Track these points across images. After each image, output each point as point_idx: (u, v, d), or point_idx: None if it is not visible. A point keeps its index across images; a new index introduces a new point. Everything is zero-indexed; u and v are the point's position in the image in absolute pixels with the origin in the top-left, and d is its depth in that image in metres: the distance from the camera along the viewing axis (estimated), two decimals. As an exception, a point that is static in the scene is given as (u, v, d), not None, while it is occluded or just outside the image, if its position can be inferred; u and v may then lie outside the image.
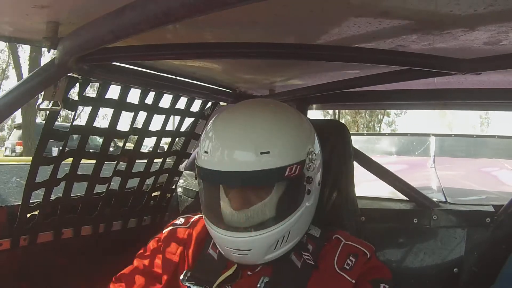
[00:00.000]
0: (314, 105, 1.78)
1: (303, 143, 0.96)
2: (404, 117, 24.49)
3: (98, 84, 1.18)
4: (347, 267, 0.97)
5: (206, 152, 0.93)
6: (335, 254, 1.00)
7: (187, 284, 1.02)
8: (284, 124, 0.97)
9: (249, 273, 1.00)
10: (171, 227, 1.16)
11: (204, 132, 0.99)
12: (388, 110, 24.03)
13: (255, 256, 0.96)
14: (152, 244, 1.14)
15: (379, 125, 23.73)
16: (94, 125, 1.23)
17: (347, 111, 23.20)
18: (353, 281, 0.96)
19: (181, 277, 1.03)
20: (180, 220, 1.17)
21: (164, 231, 1.16)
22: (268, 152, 0.89)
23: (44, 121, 1.10)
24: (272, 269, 0.99)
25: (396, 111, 24.41)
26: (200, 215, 1.16)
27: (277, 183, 0.93)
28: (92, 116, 1.21)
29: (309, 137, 1.00)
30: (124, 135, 1.34)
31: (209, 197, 0.99)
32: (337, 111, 21.90)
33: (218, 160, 0.91)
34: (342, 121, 22.30)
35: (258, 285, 0.95)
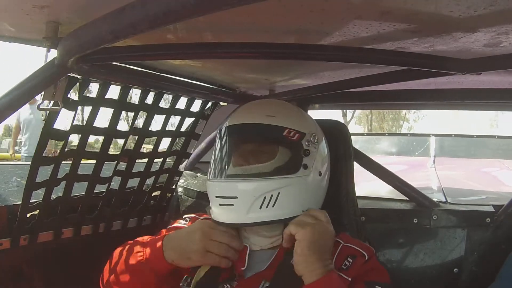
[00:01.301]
0: (316, 105, 1.78)
1: (307, 123, 1.08)
2: (421, 122, 26.07)
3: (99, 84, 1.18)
4: (344, 267, 0.98)
5: (227, 119, 1.08)
6: (333, 257, 0.99)
7: None
8: (291, 106, 1.15)
9: (242, 268, 1.00)
10: (176, 225, 1.16)
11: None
12: (407, 117, 25.81)
13: (239, 207, 0.96)
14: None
15: (399, 129, 24.92)
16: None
17: (374, 118, 25.60)
18: (349, 279, 0.96)
19: (181, 283, 1.03)
20: (186, 220, 1.17)
21: (169, 227, 1.16)
22: (274, 116, 1.03)
23: (44, 121, 1.10)
24: (273, 273, 0.98)
25: (415, 118, 26.15)
26: (205, 217, 1.16)
27: (278, 149, 1.01)
28: (92, 116, 1.21)
29: (314, 126, 1.09)
30: (124, 135, 1.34)
31: (221, 153, 1.06)
32: (368, 120, 24.88)
33: (234, 119, 1.06)
34: (371, 127, 24.09)
35: None
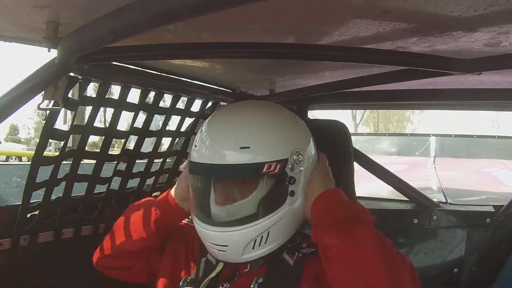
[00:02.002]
0: (316, 105, 1.78)
1: (288, 142, 0.97)
2: (424, 124, 27.44)
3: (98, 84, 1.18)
4: None
5: (195, 146, 0.99)
6: None
7: None
8: (268, 122, 0.99)
9: (245, 270, 1.01)
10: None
11: (198, 130, 1.04)
12: (412, 118, 27.29)
13: (232, 253, 0.96)
14: None
15: (404, 130, 25.89)
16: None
17: (380, 119, 26.83)
18: None
19: (181, 283, 1.03)
20: (188, 218, 1.17)
21: None
22: (248, 147, 0.92)
23: (44, 121, 1.10)
24: (266, 269, 0.99)
25: (419, 120, 27.56)
26: None
27: (259, 180, 0.94)
28: (92, 116, 1.21)
29: (297, 138, 1.00)
30: (124, 135, 1.34)
31: (197, 192, 1.02)
32: (375, 123, 26.29)
33: (203, 153, 0.96)
34: (378, 128, 25.05)
35: (252, 286, 0.96)
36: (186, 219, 1.17)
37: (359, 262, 0.85)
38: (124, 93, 1.24)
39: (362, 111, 24.09)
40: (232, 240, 0.95)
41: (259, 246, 0.95)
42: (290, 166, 0.95)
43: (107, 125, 1.29)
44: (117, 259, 1.12)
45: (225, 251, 0.96)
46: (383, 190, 1.82)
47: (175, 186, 1.14)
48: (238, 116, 1.01)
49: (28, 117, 25.02)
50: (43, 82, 1.00)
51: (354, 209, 0.95)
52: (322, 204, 0.95)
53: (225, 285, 0.99)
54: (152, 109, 1.36)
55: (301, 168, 0.97)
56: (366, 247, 0.87)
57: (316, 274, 0.96)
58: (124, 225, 1.13)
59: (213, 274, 1.02)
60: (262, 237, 0.95)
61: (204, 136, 0.99)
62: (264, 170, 0.92)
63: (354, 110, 23.40)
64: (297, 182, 0.96)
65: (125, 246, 1.10)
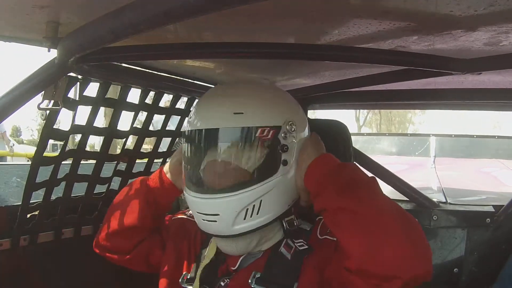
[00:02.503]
0: (317, 105, 1.78)
1: (281, 111, 0.99)
2: (425, 124, 27.58)
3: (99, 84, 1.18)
4: (327, 230, 0.98)
5: (190, 118, 1.01)
6: (317, 230, 1.01)
7: (185, 286, 1.03)
8: (263, 93, 1.03)
9: (232, 268, 1.01)
10: (181, 216, 1.18)
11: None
12: (413, 120, 27.38)
13: (223, 223, 0.94)
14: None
15: (406, 131, 25.85)
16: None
17: (382, 121, 26.74)
18: (335, 239, 0.95)
19: (180, 279, 1.04)
20: (190, 213, 1.17)
21: (173, 218, 1.19)
22: (242, 113, 0.94)
23: (44, 121, 1.10)
24: (264, 263, 0.99)
25: (420, 121, 27.75)
26: None
27: (252, 146, 0.95)
28: (92, 116, 1.21)
29: (290, 111, 1.01)
30: (124, 135, 1.34)
31: (189, 161, 1.02)
32: (378, 125, 26.23)
33: (198, 120, 0.98)
34: (380, 130, 24.99)
35: (250, 280, 0.95)
36: (187, 215, 1.18)
37: (373, 218, 0.84)
38: (124, 93, 1.24)
39: (365, 113, 24.16)
40: (223, 207, 0.94)
41: (251, 216, 0.94)
42: (283, 135, 0.96)
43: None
44: (112, 238, 1.11)
45: (216, 221, 0.95)
46: (383, 190, 1.82)
47: (167, 163, 1.15)
48: (234, 88, 1.06)
49: (31, 119, 25.04)
50: (43, 82, 1.00)
51: (354, 170, 0.94)
52: (317, 171, 0.94)
53: (226, 280, 1.00)
54: (152, 109, 1.36)
55: (294, 140, 0.98)
56: (377, 203, 0.87)
57: (315, 267, 0.95)
58: (118, 203, 1.14)
59: (207, 261, 1.02)
60: (254, 206, 0.94)
61: (199, 106, 1.02)
62: (257, 135, 0.94)
63: (357, 113, 23.48)
64: (290, 151, 0.97)
65: (118, 223, 1.10)
